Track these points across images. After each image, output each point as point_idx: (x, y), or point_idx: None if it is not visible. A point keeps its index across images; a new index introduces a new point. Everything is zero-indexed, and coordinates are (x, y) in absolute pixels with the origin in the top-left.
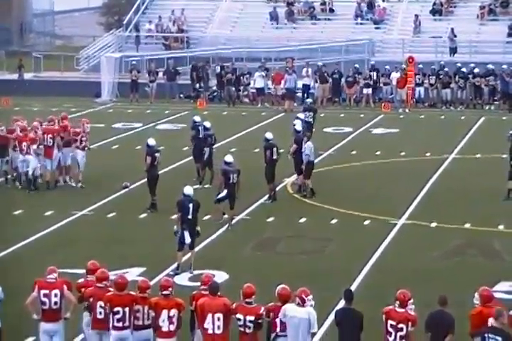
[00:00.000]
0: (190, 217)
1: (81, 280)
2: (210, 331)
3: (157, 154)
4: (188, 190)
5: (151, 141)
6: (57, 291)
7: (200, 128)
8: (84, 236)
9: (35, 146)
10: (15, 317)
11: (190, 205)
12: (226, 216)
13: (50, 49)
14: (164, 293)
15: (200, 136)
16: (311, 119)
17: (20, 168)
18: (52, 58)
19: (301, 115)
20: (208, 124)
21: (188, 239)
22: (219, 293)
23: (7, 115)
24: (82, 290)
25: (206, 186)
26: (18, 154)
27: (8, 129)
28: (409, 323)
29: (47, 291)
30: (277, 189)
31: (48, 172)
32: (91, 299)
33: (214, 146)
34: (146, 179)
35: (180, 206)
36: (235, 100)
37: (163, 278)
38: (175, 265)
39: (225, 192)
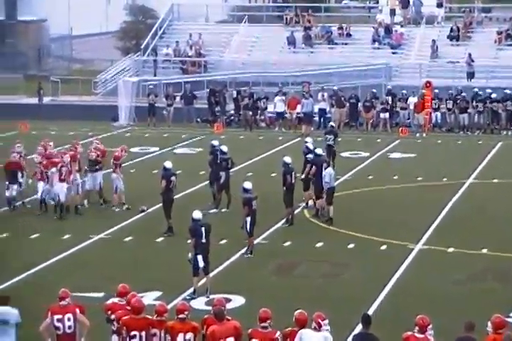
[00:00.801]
0: (203, 240)
1: (109, 302)
2: None
3: (173, 177)
4: (197, 214)
5: (168, 164)
6: (70, 315)
7: (218, 152)
8: (101, 260)
9: (54, 169)
10: (31, 340)
11: (203, 229)
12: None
13: (67, 73)
14: (180, 316)
15: (218, 160)
16: (332, 142)
17: (47, 194)
18: (69, 82)
19: (309, 139)
20: (224, 148)
21: (201, 263)
22: (228, 317)
23: (26, 139)
24: (109, 312)
25: (223, 210)
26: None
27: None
28: None
29: (60, 316)
30: (295, 213)
31: (69, 196)
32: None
33: (231, 170)
34: (162, 202)
35: (193, 231)
36: (252, 124)
37: (180, 302)
38: (191, 289)
39: (248, 220)
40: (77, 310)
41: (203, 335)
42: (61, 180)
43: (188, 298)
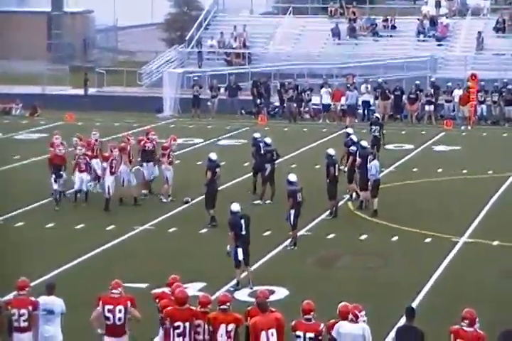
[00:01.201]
0: (243, 232)
1: (158, 291)
2: None
3: (218, 169)
4: (235, 207)
5: (213, 156)
6: (121, 307)
7: (260, 144)
8: (145, 251)
9: (105, 164)
10: (77, 330)
11: (242, 221)
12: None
13: (112, 64)
14: (222, 307)
15: (261, 152)
16: (378, 133)
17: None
18: (115, 73)
19: (350, 130)
20: (268, 140)
21: (240, 256)
22: (271, 309)
23: (70, 130)
24: (157, 301)
25: (267, 202)
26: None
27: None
28: None
29: (111, 307)
30: (339, 205)
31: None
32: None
33: (276, 162)
34: (205, 193)
35: (232, 224)
36: (296, 116)
37: (222, 294)
38: (235, 281)
39: (292, 212)
40: (129, 303)
41: (247, 327)
42: (111, 173)
43: (231, 289)
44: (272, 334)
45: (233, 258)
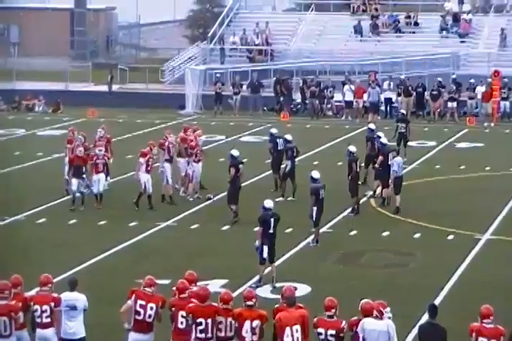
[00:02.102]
0: (271, 231)
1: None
2: None
3: (241, 166)
4: (269, 203)
5: (235, 152)
6: (153, 305)
7: (278, 140)
8: (167, 248)
9: (142, 160)
10: (100, 326)
11: (272, 220)
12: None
13: (135, 61)
14: (248, 303)
15: (279, 148)
16: (404, 130)
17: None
18: (137, 70)
19: (372, 125)
20: (289, 137)
21: (265, 254)
22: (299, 305)
23: (93, 126)
24: (171, 299)
25: (289, 199)
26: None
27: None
28: (502, 338)
29: (143, 302)
30: (361, 202)
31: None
32: (173, 309)
33: (297, 159)
34: (228, 190)
35: (262, 220)
36: (318, 113)
37: (247, 289)
38: (257, 277)
39: (315, 209)
40: (160, 304)
41: (274, 324)
42: (147, 171)
43: (253, 285)
44: (297, 331)
45: (259, 254)
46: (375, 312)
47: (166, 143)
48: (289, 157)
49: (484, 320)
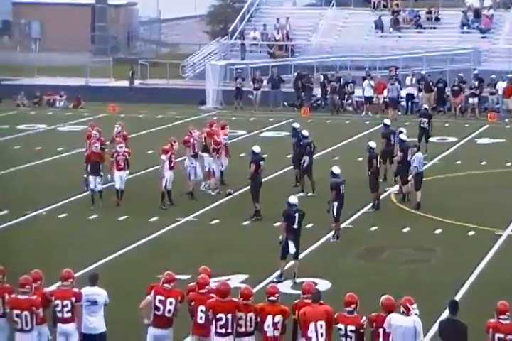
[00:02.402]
0: (295, 226)
1: (192, 284)
2: (313, 339)
3: (262, 162)
4: (293, 199)
5: (257, 149)
6: (172, 300)
7: (300, 135)
8: (188, 243)
9: (164, 156)
10: (120, 321)
11: (296, 215)
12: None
13: (156, 56)
14: (271, 298)
15: (301, 142)
16: (426, 125)
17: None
18: (158, 66)
19: (388, 121)
20: (305, 133)
21: (292, 249)
22: (321, 301)
23: (113, 122)
24: (191, 294)
25: (309, 194)
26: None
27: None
28: None
29: (162, 298)
30: (381, 198)
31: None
32: (192, 303)
33: (316, 155)
34: (249, 186)
35: (287, 216)
36: (338, 109)
37: (271, 285)
38: (278, 272)
39: (335, 204)
40: (179, 298)
41: (295, 320)
42: (170, 168)
43: (274, 280)
44: (321, 326)
45: (282, 249)
46: (401, 308)
47: (191, 140)
48: (307, 152)
49: (500, 316)
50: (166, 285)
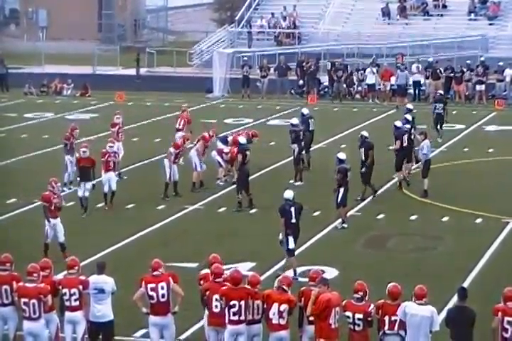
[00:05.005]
0: (293, 220)
1: (203, 272)
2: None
3: (247, 152)
4: (288, 194)
5: (242, 139)
6: (163, 284)
7: (310, 121)
8: (195, 231)
9: (172, 149)
10: (127, 309)
11: (292, 209)
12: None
13: (163, 44)
14: (283, 287)
15: (311, 128)
16: (441, 111)
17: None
18: (165, 54)
19: (398, 123)
20: (295, 121)
21: (291, 245)
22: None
23: (121, 110)
24: (201, 282)
25: (296, 183)
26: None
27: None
28: None
29: (153, 285)
30: (389, 185)
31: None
32: (207, 293)
33: (322, 143)
34: (239, 176)
35: (282, 211)
36: (345, 96)
37: (283, 275)
38: (284, 261)
39: (342, 190)
40: (171, 279)
41: (300, 307)
42: (174, 162)
43: (279, 273)
44: (338, 313)
45: (285, 249)
46: (414, 298)
47: (210, 139)
48: (293, 140)
49: (508, 303)
50: (155, 272)
